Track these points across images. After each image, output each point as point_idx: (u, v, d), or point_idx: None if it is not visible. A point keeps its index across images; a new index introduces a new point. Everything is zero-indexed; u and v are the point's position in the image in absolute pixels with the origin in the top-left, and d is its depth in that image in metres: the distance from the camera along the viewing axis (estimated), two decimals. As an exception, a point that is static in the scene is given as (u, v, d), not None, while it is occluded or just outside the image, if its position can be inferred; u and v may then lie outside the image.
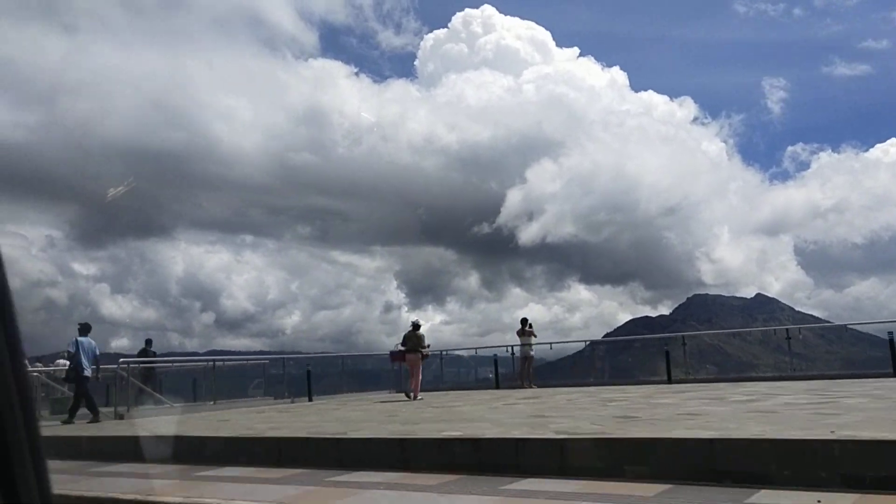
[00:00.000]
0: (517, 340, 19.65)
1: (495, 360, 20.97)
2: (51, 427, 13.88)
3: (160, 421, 13.71)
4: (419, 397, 16.50)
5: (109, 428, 12.59)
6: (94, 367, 15.42)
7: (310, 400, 19.14)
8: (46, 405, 18.02)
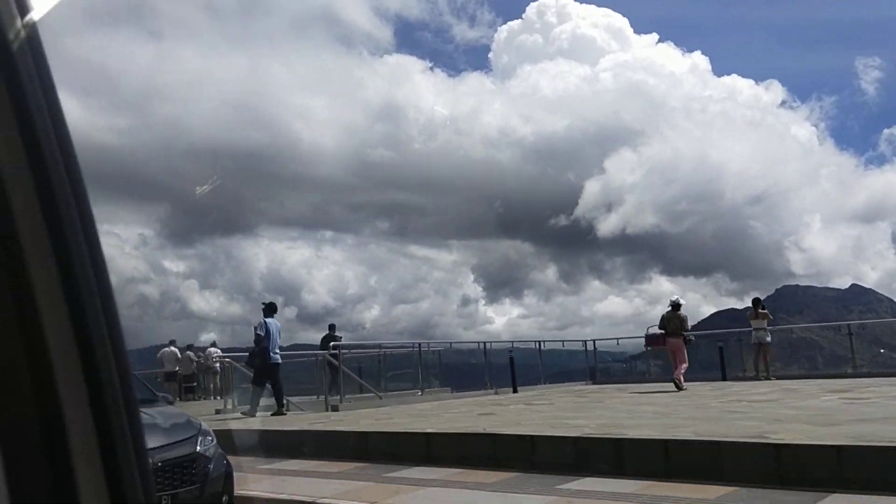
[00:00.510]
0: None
1: (720, 350, 18.17)
2: (264, 420, 12.25)
3: (400, 414, 11.79)
4: (683, 387, 13.89)
5: (346, 421, 10.73)
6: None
7: (514, 391, 16.97)
8: (235, 395, 16.62)
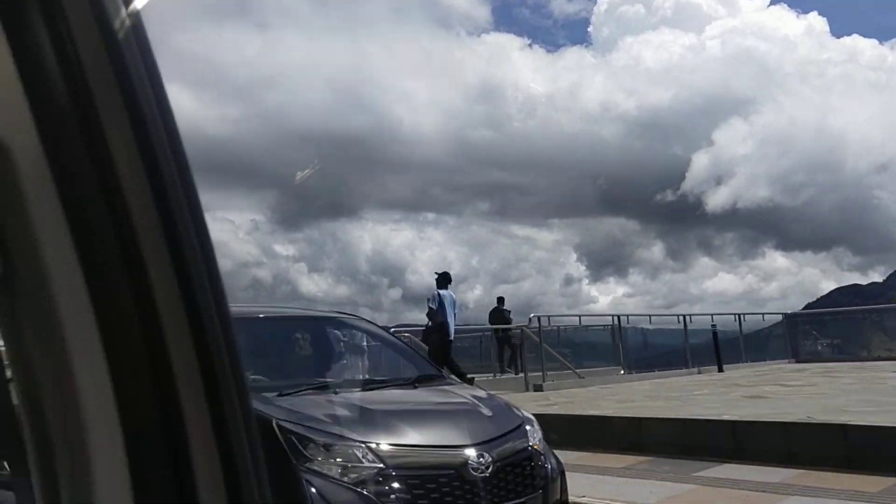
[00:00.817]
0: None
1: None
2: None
3: (637, 395, 10.19)
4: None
5: (577, 402, 9.24)
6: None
7: (720, 370, 14.98)
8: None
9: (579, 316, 14.89)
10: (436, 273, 13.57)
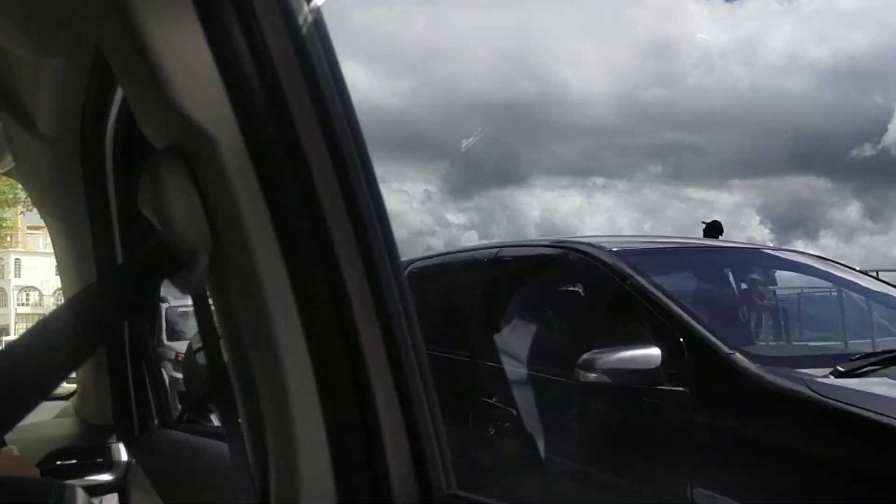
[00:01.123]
0: None
1: None
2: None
3: None
4: None
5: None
6: None
7: None
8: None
9: (876, 272, 11.98)
10: (703, 222, 11.36)
